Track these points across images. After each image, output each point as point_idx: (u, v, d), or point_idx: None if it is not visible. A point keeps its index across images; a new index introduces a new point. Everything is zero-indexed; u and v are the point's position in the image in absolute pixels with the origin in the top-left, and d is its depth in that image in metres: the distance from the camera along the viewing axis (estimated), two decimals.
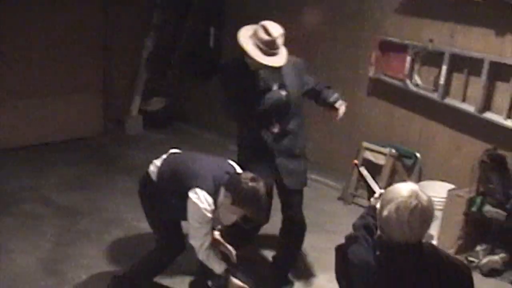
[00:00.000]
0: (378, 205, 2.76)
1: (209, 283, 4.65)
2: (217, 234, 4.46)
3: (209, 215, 4.12)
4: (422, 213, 2.65)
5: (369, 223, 3.03)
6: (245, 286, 4.30)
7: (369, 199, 3.50)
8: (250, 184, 4.04)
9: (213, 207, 4.12)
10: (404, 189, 2.70)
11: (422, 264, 2.75)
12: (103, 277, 5.07)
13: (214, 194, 4.13)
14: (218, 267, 4.28)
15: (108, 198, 6.66)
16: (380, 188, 3.78)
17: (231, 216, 4.24)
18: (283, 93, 4.56)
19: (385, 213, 2.62)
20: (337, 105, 4.82)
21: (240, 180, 4.09)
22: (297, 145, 4.76)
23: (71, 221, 6.04)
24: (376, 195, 3.18)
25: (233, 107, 4.59)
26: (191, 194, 4.10)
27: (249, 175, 4.14)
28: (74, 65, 8.30)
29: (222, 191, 4.14)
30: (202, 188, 4.10)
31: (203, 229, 4.19)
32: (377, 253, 2.77)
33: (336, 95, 4.88)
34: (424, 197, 2.68)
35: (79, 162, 7.65)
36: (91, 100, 8.64)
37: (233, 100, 4.56)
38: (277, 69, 4.55)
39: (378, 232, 2.80)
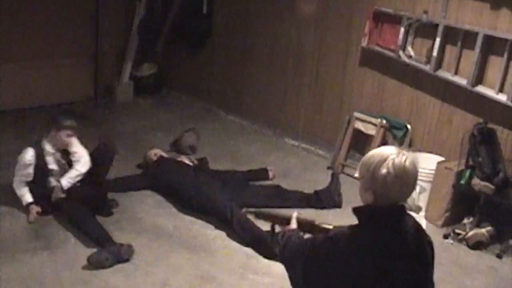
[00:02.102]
0: (359, 172, 2.72)
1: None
2: None
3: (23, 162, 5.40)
4: (414, 168, 2.66)
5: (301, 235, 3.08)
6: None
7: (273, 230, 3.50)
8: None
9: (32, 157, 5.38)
10: (389, 149, 2.69)
11: (407, 225, 2.74)
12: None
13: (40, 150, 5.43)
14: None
15: None
16: None
17: (64, 142, 5.44)
18: None
19: (383, 171, 2.60)
20: None
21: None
22: None
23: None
24: (295, 214, 3.23)
25: None
26: None
27: None
28: (65, 29, 8.28)
29: (44, 141, 5.44)
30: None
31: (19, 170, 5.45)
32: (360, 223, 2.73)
33: None
34: (408, 154, 2.68)
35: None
36: (82, 65, 8.62)
37: None
38: None
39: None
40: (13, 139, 7.04)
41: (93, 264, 4.68)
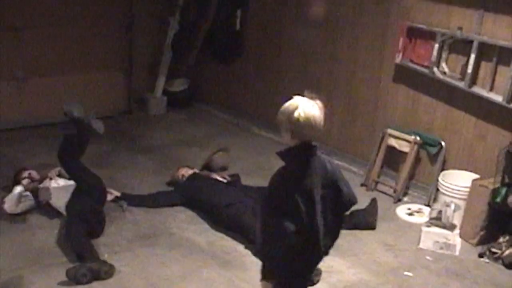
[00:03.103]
0: (278, 119, 3.48)
1: None
2: None
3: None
4: (321, 114, 3.44)
5: None
6: None
7: None
8: None
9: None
10: (300, 99, 3.46)
11: (322, 157, 3.53)
12: (123, 253, 5.12)
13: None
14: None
15: (128, 176, 6.69)
16: None
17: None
18: None
19: (295, 115, 3.37)
20: None
21: None
22: None
23: None
24: None
25: None
26: None
27: None
28: (99, 43, 8.35)
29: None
30: None
31: None
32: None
33: None
34: (316, 103, 3.48)
35: (101, 140, 7.65)
36: (115, 79, 8.67)
37: None
38: None
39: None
40: (47, 153, 7.11)
41: (70, 278, 4.66)
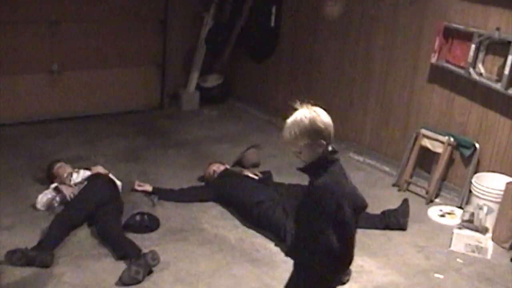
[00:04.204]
0: (297, 141, 3.25)
1: None
2: None
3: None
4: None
5: None
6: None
7: None
8: None
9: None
10: (309, 108, 3.25)
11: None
12: (153, 248, 5.07)
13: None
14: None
15: (159, 171, 6.72)
16: None
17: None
18: None
19: (320, 124, 3.19)
20: None
21: None
22: None
23: (123, 192, 6.07)
24: None
25: None
26: None
27: None
28: (133, 38, 8.39)
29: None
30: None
31: None
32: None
33: None
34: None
35: (134, 135, 7.72)
36: (149, 74, 8.72)
37: None
38: None
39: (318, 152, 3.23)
40: (82, 145, 7.19)
41: (127, 282, 4.66)
